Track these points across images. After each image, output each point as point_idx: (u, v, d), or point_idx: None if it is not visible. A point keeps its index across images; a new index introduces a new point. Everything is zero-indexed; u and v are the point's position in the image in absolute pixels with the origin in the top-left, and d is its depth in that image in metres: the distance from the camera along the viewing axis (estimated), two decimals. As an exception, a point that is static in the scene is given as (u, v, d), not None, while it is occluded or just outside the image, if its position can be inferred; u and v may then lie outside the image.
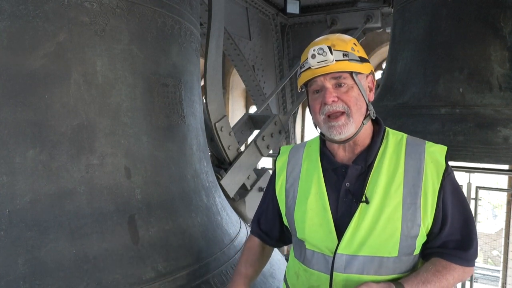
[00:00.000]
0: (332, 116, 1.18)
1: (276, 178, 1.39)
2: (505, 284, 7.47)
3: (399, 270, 1.17)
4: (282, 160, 1.40)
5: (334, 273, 1.18)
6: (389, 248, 1.14)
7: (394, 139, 1.25)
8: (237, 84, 10.20)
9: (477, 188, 5.96)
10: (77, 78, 1.40)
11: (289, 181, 1.34)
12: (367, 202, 1.15)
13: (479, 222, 6.29)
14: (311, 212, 1.24)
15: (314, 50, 1.15)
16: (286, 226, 1.40)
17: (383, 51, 8.13)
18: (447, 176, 1.16)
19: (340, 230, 1.18)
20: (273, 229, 1.44)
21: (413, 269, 1.19)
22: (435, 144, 1.22)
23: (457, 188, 1.20)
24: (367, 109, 1.23)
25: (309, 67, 1.18)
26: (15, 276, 1.19)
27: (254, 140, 3.01)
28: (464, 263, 1.18)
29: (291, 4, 5.31)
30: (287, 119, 3.40)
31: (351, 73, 1.18)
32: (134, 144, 1.55)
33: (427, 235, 1.18)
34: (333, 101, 1.16)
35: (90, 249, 1.34)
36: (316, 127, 1.28)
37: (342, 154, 1.27)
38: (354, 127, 1.19)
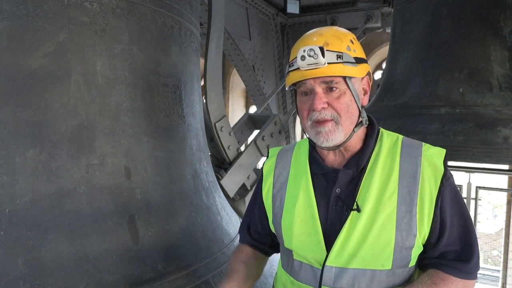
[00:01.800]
0: (319, 122, 1.08)
1: (263, 182, 1.29)
2: (505, 284, 7.48)
3: (393, 283, 1.08)
4: (270, 163, 1.30)
5: (323, 286, 1.09)
6: (382, 261, 1.06)
7: (389, 140, 1.15)
8: (237, 84, 10.22)
9: (477, 188, 5.99)
10: (77, 78, 1.40)
11: (276, 186, 1.25)
12: (358, 210, 1.07)
13: (479, 222, 6.29)
14: (299, 220, 1.15)
15: (304, 51, 1.03)
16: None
17: (383, 51, 8.16)
18: (446, 182, 1.07)
19: (330, 240, 1.09)
20: (265, 236, 1.34)
21: (408, 282, 1.10)
22: (433, 147, 1.12)
23: (456, 194, 1.11)
24: (360, 116, 1.12)
25: (298, 67, 1.07)
26: (15, 276, 1.20)
27: (254, 140, 3.01)
28: (464, 276, 1.08)
29: (291, 4, 5.30)
30: (287, 119, 3.40)
31: (344, 77, 1.07)
32: (134, 144, 1.55)
33: (424, 246, 1.09)
34: (322, 107, 1.06)
35: (90, 249, 1.34)
36: (304, 132, 1.17)
37: (332, 158, 1.17)
38: (343, 135, 1.09)
